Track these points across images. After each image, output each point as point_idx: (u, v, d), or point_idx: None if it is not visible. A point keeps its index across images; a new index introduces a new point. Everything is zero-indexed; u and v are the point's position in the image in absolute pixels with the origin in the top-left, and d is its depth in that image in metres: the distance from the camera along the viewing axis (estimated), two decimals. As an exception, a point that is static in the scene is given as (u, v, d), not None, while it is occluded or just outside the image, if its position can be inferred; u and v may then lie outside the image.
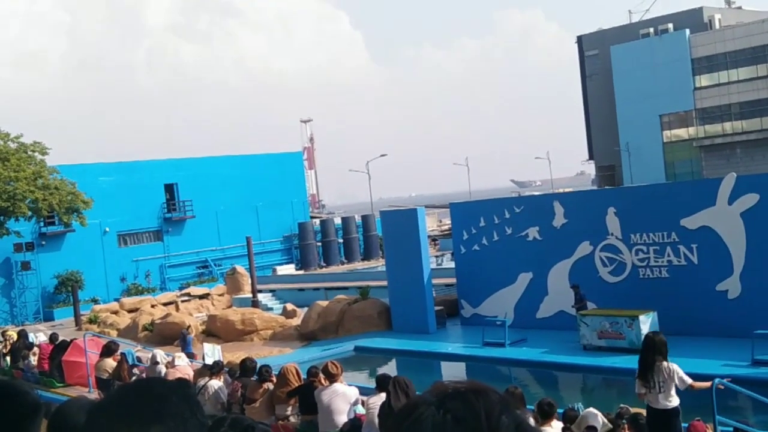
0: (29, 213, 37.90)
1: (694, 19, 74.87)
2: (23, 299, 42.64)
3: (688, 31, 73.45)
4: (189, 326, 26.60)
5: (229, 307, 35.08)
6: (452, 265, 28.37)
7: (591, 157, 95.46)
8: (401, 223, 24.66)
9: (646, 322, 18.70)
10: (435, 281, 26.26)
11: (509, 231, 23.33)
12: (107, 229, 45.99)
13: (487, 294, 24.05)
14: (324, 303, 26.88)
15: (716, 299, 19.37)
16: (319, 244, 52.88)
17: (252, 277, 34.37)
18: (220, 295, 38.24)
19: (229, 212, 51.04)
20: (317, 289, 36.37)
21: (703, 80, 73.49)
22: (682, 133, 76.01)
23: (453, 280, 26.63)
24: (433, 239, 55.22)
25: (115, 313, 34.65)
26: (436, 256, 45.48)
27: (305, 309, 28.02)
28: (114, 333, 30.68)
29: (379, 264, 48.55)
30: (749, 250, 18.85)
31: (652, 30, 76.85)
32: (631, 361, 17.78)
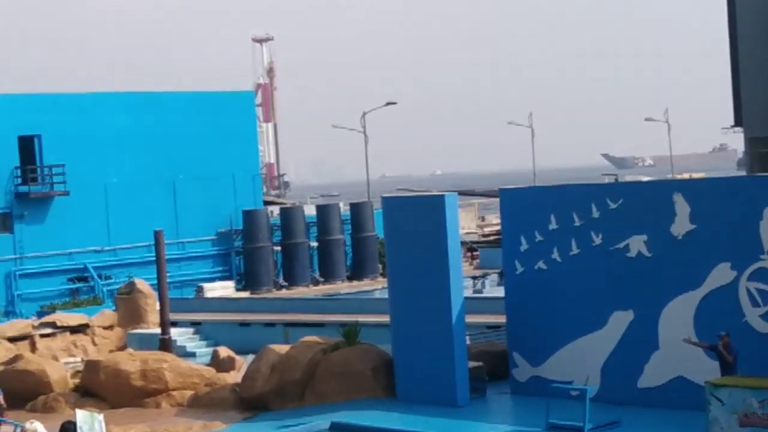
0: None
1: None
2: None
3: None
4: None
5: (122, 348, 35.07)
6: (500, 293, 28.42)
7: (738, 123, 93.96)
8: (416, 218, 24.71)
9: (823, 403, 18.77)
10: (470, 319, 26.30)
11: (598, 240, 23.43)
12: None
13: (557, 345, 24.15)
14: (283, 348, 26.95)
15: None
16: (278, 248, 52.95)
17: (162, 299, 34.47)
18: (106, 328, 38.21)
19: (126, 188, 51.20)
20: (272, 324, 36.37)
21: None
22: None
23: (501, 319, 26.72)
24: (470, 248, 55.22)
25: (-71, 350, 34.74)
26: (474, 278, 45.54)
27: (250, 357, 28.16)
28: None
29: (377, 286, 48.60)
30: None
31: None
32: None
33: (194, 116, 53.67)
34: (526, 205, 24.90)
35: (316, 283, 52.30)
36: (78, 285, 49.64)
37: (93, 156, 50.19)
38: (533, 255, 24.45)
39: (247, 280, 51.92)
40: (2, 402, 24.80)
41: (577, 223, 23.72)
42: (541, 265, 24.35)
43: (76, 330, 37.80)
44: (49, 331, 37.43)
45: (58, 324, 37.95)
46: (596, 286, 23.50)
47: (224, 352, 31.14)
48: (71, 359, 34.51)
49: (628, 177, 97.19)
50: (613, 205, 23.34)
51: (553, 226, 24.08)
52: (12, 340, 35.86)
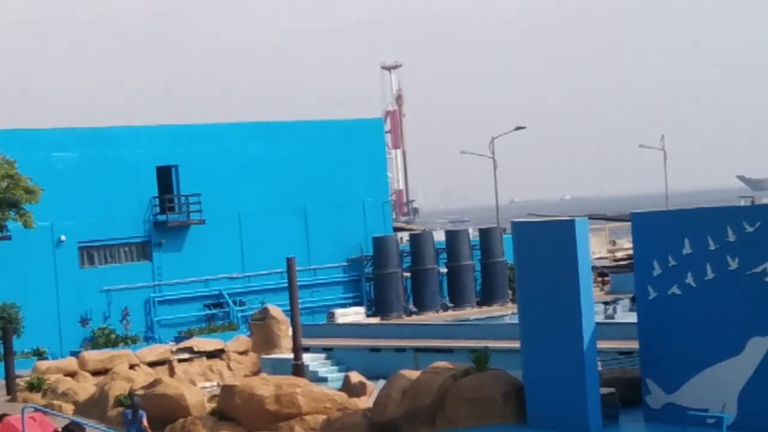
0: (-61, 208, 39.48)
1: None
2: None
3: None
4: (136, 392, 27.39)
5: (256, 373, 35.52)
6: (633, 318, 28.09)
7: None
8: (546, 243, 24.56)
9: None
10: (602, 345, 26.05)
11: (734, 264, 22.92)
12: (63, 238, 47.47)
13: (693, 371, 23.68)
14: (413, 374, 26.96)
15: None
16: (408, 274, 53.07)
17: (294, 325, 34.79)
18: (241, 353, 38.82)
19: (259, 216, 51.94)
20: (402, 349, 36.63)
21: None
22: None
23: (633, 345, 26.36)
24: (601, 273, 54.64)
25: (73, 375, 35.61)
26: (606, 303, 45.09)
27: (381, 383, 28.29)
28: (70, 408, 31.54)
29: (507, 311, 48.34)
30: None
31: None
32: None
33: (325, 144, 54.24)
34: (659, 229, 24.56)
35: (445, 308, 52.28)
36: (214, 311, 50.46)
37: (227, 185, 51.09)
38: (666, 280, 24.08)
39: (378, 305, 52.14)
40: (146, 426, 25.30)
41: (712, 247, 23.26)
42: (674, 290, 23.96)
43: (212, 355, 38.52)
44: (186, 356, 38.22)
45: (195, 349, 38.73)
46: (733, 311, 22.97)
47: (355, 377, 31.26)
48: (208, 383, 35.09)
49: (766, 199, 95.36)
50: (749, 228, 22.82)
51: (686, 250, 23.69)
52: (151, 364, 36.72)
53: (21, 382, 35.38)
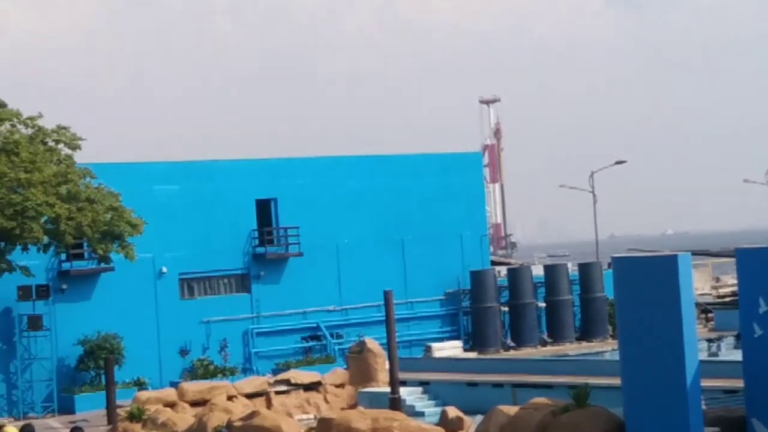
0: (45, 239, 40.12)
1: None
2: (28, 377, 45.16)
3: None
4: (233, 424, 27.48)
5: (353, 406, 35.51)
6: (737, 356, 27.57)
7: None
8: (648, 279, 24.16)
9: None
10: (706, 383, 25.56)
11: None
12: (164, 270, 48.17)
13: (801, 411, 23.14)
14: (511, 410, 26.65)
15: None
16: (505, 308, 52.78)
17: (391, 358, 34.75)
18: (338, 386, 38.86)
19: (357, 249, 52.13)
20: (499, 384, 36.27)
21: None
22: None
23: (738, 383, 25.86)
24: (705, 310, 53.82)
25: (172, 405, 35.95)
26: (709, 341, 44.38)
27: (478, 418, 27.99)
28: (168, 438, 31.87)
29: (607, 347, 47.77)
30: None
31: None
32: None
33: (422, 177, 54.40)
34: (765, 266, 24.04)
35: (543, 343, 51.93)
36: (311, 343, 50.70)
37: (325, 218, 51.41)
38: (773, 317, 23.59)
39: (475, 340, 51.96)
40: None
41: (822, 284, 22.77)
42: (781, 328, 23.48)
43: (309, 387, 38.66)
44: (283, 388, 38.39)
45: (293, 381, 38.89)
46: (842, 351, 22.48)
47: (453, 412, 31.06)
48: (305, 416, 35.20)
49: None
50: None
51: (793, 287, 23.20)
52: (249, 396, 36.97)
53: (122, 412, 35.84)
